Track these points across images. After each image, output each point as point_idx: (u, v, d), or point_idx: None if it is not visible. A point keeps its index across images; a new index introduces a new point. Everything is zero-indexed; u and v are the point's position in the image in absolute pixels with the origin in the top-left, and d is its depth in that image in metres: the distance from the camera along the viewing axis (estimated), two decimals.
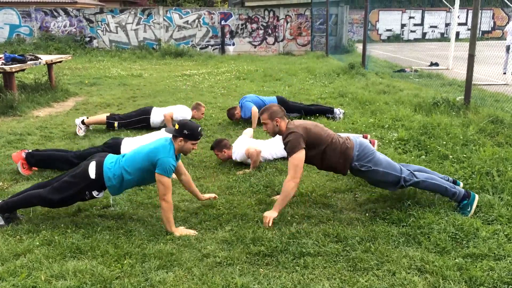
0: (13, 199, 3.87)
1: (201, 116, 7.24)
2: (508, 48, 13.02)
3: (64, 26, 20.18)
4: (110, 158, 3.89)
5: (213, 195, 4.33)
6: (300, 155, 3.81)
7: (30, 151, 5.18)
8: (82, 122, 6.91)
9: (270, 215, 3.74)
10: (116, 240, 3.57)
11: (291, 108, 7.53)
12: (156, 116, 7.01)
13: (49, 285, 2.94)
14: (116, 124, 6.94)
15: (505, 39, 13.54)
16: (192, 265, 3.22)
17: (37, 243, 3.49)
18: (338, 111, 7.62)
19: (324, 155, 3.95)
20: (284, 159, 5.52)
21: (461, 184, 4.30)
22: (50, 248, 3.44)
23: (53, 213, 4.08)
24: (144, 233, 3.71)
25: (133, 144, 5.26)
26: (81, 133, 6.82)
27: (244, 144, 5.43)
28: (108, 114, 7.12)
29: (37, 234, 3.67)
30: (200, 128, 3.83)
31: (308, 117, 7.52)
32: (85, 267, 3.14)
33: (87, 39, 20.30)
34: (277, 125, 4.01)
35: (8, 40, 19.58)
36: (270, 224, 3.69)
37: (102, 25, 20.30)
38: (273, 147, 5.59)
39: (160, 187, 3.67)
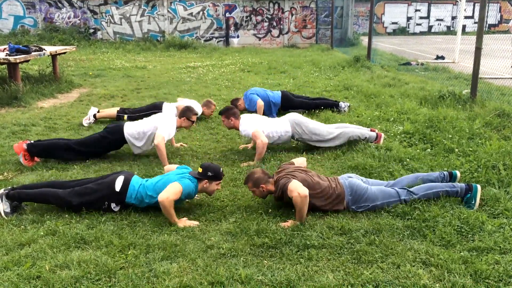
0: (27, 192, 3.89)
1: (210, 114, 7.25)
2: None
3: (68, 18, 20.15)
4: (136, 179, 4.01)
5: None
6: (293, 182, 3.72)
7: (32, 141, 5.18)
8: (94, 116, 6.95)
9: (290, 222, 3.70)
10: (120, 230, 3.58)
11: (295, 105, 7.50)
12: (167, 111, 6.98)
13: (54, 274, 2.95)
14: (125, 117, 6.94)
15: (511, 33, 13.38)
16: (196, 256, 3.21)
17: (42, 233, 3.50)
18: (343, 104, 7.58)
19: (315, 204, 3.85)
20: (288, 136, 5.55)
21: (458, 174, 4.27)
22: (55, 238, 3.45)
23: None
24: (148, 224, 3.71)
25: (134, 128, 5.26)
26: (86, 123, 6.84)
27: (254, 124, 5.39)
28: (118, 109, 7.13)
29: (41, 224, 3.68)
30: (221, 169, 4.02)
31: (313, 112, 7.47)
32: (90, 257, 3.14)
33: (91, 30, 20.27)
34: (263, 190, 3.98)
35: (13, 31, 19.56)
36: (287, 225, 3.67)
37: (106, 16, 20.25)
38: (279, 124, 5.56)
39: (170, 190, 3.69)
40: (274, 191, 3.97)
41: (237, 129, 5.52)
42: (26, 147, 5.05)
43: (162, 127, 5.14)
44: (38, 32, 19.46)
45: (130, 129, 5.28)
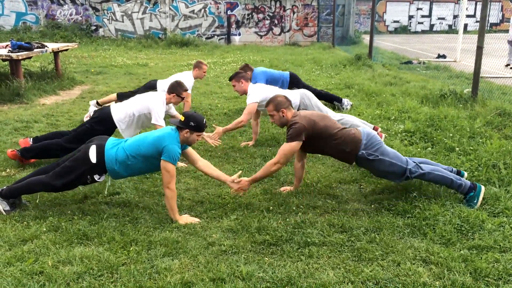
0: (16, 186, 3.90)
1: (203, 75, 7.22)
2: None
3: (70, 15, 20.16)
4: (111, 141, 3.88)
5: (238, 173, 4.19)
6: (294, 145, 3.89)
7: (25, 147, 5.08)
8: (98, 103, 7.03)
9: (245, 180, 3.95)
10: (122, 227, 3.60)
11: (302, 85, 7.52)
12: (162, 88, 6.93)
13: (56, 270, 2.97)
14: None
15: None
16: (198, 253, 3.24)
17: (44, 229, 3.53)
18: (346, 102, 7.61)
19: (331, 145, 3.96)
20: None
21: (466, 174, 4.28)
22: (57, 234, 3.47)
23: (59, 200, 4.11)
24: (150, 220, 3.74)
25: (123, 110, 5.05)
26: (90, 110, 6.95)
27: (262, 93, 5.47)
28: (116, 93, 7.18)
29: (44, 220, 3.70)
30: (205, 120, 3.89)
31: None
32: (92, 253, 3.17)
33: (93, 27, 20.27)
34: (283, 116, 4.02)
35: (15, 27, 19.57)
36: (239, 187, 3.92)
37: (108, 13, 20.26)
38: (288, 93, 5.55)
39: (165, 174, 3.68)
40: (288, 124, 4.01)
41: (246, 93, 5.53)
42: (19, 155, 4.96)
43: (154, 113, 5.01)
44: (40, 29, 19.47)
45: (118, 113, 5.06)
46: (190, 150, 4.05)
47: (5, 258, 3.11)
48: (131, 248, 3.27)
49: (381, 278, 2.90)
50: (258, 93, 5.50)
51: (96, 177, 3.83)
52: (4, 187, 3.93)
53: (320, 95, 7.63)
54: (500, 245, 3.25)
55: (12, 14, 19.85)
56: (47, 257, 3.13)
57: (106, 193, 4.22)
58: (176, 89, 5.27)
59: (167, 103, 5.31)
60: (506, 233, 3.41)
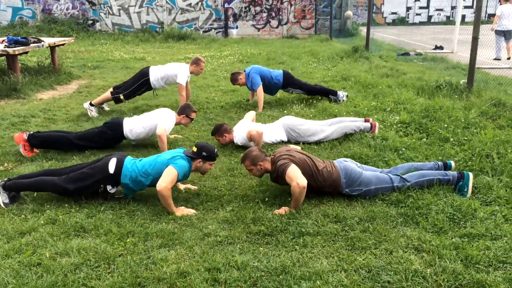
0: (23, 182, 3.95)
1: (200, 71, 7.28)
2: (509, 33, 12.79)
3: (67, 9, 20.09)
4: (129, 159, 4.05)
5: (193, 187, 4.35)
6: (293, 166, 3.77)
7: (32, 132, 5.23)
8: (90, 103, 6.99)
9: (286, 209, 3.76)
10: (119, 219, 3.64)
11: (295, 84, 7.55)
12: (155, 75, 7.00)
13: (54, 261, 3.02)
14: (121, 96, 6.98)
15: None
16: (194, 243, 3.28)
17: (42, 222, 3.57)
18: (342, 93, 7.62)
19: (312, 186, 3.89)
20: (285, 143, 5.55)
21: (453, 164, 4.33)
22: (55, 227, 3.52)
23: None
24: (147, 213, 3.78)
25: (133, 123, 5.36)
26: (93, 114, 6.93)
27: (245, 128, 5.46)
28: (111, 89, 7.13)
29: (41, 213, 3.74)
30: (216, 149, 4.07)
31: (311, 102, 7.52)
32: (89, 245, 3.21)
33: (90, 22, 20.22)
34: (261, 168, 4.00)
35: (11, 22, 19.51)
36: (282, 212, 3.72)
37: (104, 7, 20.19)
38: (273, 132, 5.63)
39: (167, 177, 3.73)
40: (272, 171, 3.98)
41: (233, 142, 5.57)
42: (26, 138, 5.11)
43: (163, 121, 5.22)
44: (37, 23, 19.41)
45: (129, 125, 5.35)
46: None
47: (3, 251, 3.16)
48: (128, 240, 3.32)
49: (374, 266, 2.95)
50: (244, 129, 5.45)
51: (109, 187, 3.94)
52: (5, 179, 3.98)
53: (315, 90, 7.66)
54: (491, 233, 3.29)
55: (8, 9, 19.79)
56: (45, 249, 3.18)
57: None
58: (186, 110, 5.48)
59: (177, 123, 5.50)
60: (498, 221, 3.45)
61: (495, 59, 12.34)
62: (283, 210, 3.75)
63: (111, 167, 3.92)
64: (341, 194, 4.00)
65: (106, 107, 7.27)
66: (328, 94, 7.61)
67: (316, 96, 7.75)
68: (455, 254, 3.03)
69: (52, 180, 3.93)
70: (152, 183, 3.92)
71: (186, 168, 3.89)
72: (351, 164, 4.08)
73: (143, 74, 7.06)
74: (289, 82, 7.53)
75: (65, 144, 5.22)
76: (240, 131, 5.46)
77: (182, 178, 3.95)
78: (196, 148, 3.97)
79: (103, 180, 3.91)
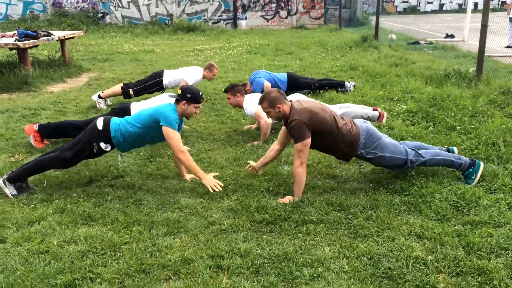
0: (24, 167, 4.05)
1: (212, 77, 7.31)
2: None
3: (77, 2, 20.22)
4: (116, 117, 4.15)
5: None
6: (305, 142, 3.71)
7: (42, 123, 5.33)
8: (99, 96, 7.06)
9: (290, 198, 3.78)
10: (126, 208, 3.71)
11: (301, 85, 7.49)
12: (169, 78, 7.04)
13: (61, 249, 3.10)
14: (131, 91, 7.03)
15: None
16: (198, 231, 3.34)
17: (51, 211, 3.65)
18: (349, 84, 7.60)
19: (329, 142, 3.84)
20: None
21: (456, 150, 4.30)
22: (63, 216, 3.60)
23: (66, 184, 4.24)
24: (153, 202, 3.84)
25: (141, 108, 5.31)
26: (102, 106, 7.02)
27: (256, 106, 5.34)
28: (121, 85, 7.20)
29: (50, 203, 3.83)
30: (201, 92, 4.03)
31: (318, 92, 7.50)
32: (96, 233, 3.29)
33: (100, 15, 20.32)
34: (279, 111, 3.85)
35: (22, 17, 19.71)
36: (286, 201, 3.74)
37: (114, 0, 20.27)
38: None
39: (170, 141, 3.84)
40: (287, 117, 3.83)
41: (242, 107, 5.58)
42: (36, 129, 5.21)
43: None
44: (48, 17, 19.59)
45: (137, 110, 5.37)
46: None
47: (13, 239, 3.25)
48: (134, 228, 3.38)
49: (375, 253, 2.98)
50: (254, 106, 5.37)
51: (102, 145, 4.02)
52: (10, 172, 4.07)
53: (322, 86, 7.62)
54: (494, 221, 3.30)
55: (19, 3, 19.98)
56: (53, 237, 3.26)
57: (120, 166, 4.47)
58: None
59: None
60: (502, 208, 3.45)
61: (507, 46, 12.17)
62: (287, 199, 3.78)
63: (99, 124, 4.02)
64: (356, 156, 3.93)
65: (108, 102, 7.26)
66: (335, 86, 7.57)
67: (324, 89, 7.72)
68: (457, 241, 3.05)
69: (49, 156, 4.07)
70: (141, 137, 4.02)
71: (175, 117, 3.89)
72: (373, 126, 4.01)
73: (157, 75, 7.10)
74: (294, 84, 7.45)
75: (74, 130, 5.29)
76: (252, 103, 5.38)
77: (179, 129, 3.99)
78: (180, 91, 3.96)
79: (95, 139, 3.99)
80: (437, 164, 3.98)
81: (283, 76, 7.58)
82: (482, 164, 3.96)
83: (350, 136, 3.83)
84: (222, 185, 3.83)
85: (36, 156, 4.93)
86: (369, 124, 4.01)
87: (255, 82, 7.37)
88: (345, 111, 5.61)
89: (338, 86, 7.57)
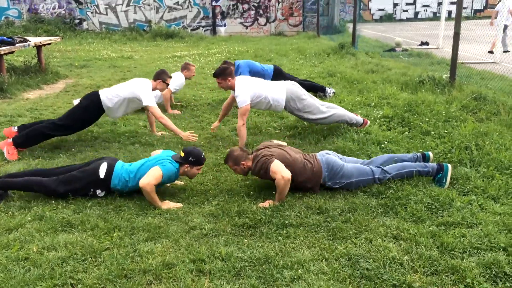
0: (12, 180, 3.98)
1: (192, 75, 7.41)
2: (505, 27, 13.09)
3: (53, 8, 19.99)
4: (120, 164, 4.10)
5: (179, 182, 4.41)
6: (275, 162, 3.85)
7: (16, 135, 5.27)
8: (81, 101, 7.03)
9: (270, 202, 3.84)
10: (106, 214, 3.70)
11: (286, 79, 7.57)
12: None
13: (41, 256, 3.08)
14: None
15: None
16: (179, 236, 3.36)
17: (29, 218, 3.62)
18: (329, 90, 7.75)
19: (292, 179, 3.91)
20: (277, 111, 5.72)
21: (431, 155, 4.43)
22: (42, 223, 3.57)
23: None
24: (133, 208, 3.84)
25: (109, 91, 5.37)
26: None
27: (249, 89, 5.34)
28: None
29: (28, 210, 3.79)
30: (203, 154, 4.10)
31: None
32: (76, 239, 3.27)
33: (77, 21, 20.13)
34: (244, 167, 4.08)
35: None
36: (266, 205, 3.80)
37: (91, 6, 20.11)
38: (274, 91, 5.47)
39: (150, 175, 3.81)
40: (253, 168, 4.06)
41: (233, 89, 5.44)
42: (11, 141, 5.13)
43: (143, 96, 5.27)
44: (23, 23, 19.29)
45: (106, 94, 5.35)
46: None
47: None
48: (114, 234, 3.38)
49: (354, 254, 3.05)
50: (246, 92, 5.33)
51: (98, 191, 4.00)
52: None
53: (303, 85, 7.72)
54: (467, 221, 3.41)
55: None
56: (32, 244, 3.24)
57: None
58: (161, 75, 5.54)
59: (153, 89, 5.52)
60: (474, 210, 3.57)
61: (505, 51, 12.77)
62: (267, 203, 3.83)
63: (102, 172, 3.97)
64: (323, 187, 4.09)
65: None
66: (316, 90, 7.70)
67: None
68: (432, 242, 3.15)
69: (41, 181, 3.97)
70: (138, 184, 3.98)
71: (172, 172, 3.95)
72: (333, 157, 4.16)
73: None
74: (278, 74, 7.60)
75: (51, 130, 5.23)
76: (243, 89, 5.29)
77: (167, 181, 4.01)
78: (183, 153, 4.03)
79: (93, 184, 3.97)
80: (403, 177, 4.13)
81: (269, 67, 7.68)
82: (450, 166, 4.10)
83: (312, 172, 4.01)
84: (181, 205, 3.88)
85: (13, 164, 4.88)
86: (330, 156, 4.15)
87: (239, 70, 7.40)
88: (334, 112, 5.59)
89: (319, 90, 7.71)
